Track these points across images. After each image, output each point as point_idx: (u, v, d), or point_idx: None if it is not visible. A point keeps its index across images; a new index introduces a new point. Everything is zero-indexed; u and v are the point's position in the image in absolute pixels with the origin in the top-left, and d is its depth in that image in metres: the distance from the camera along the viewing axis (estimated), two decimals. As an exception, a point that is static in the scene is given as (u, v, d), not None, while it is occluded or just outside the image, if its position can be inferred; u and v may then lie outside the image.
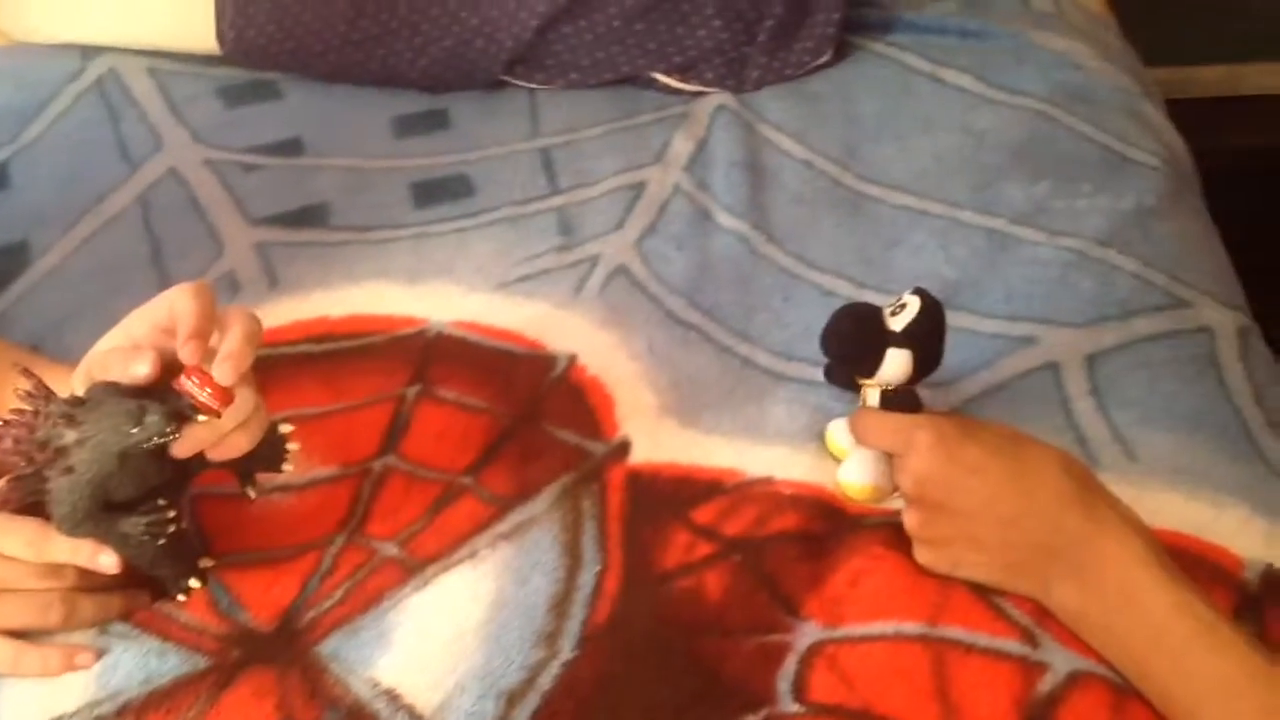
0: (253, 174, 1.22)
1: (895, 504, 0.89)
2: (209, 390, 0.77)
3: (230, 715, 0.76)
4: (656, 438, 0.96)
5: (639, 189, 1.20)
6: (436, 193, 1.21)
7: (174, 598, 0.83)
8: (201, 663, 0.80)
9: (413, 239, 1.15)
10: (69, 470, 0.75)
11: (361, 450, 0.95)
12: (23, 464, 0.75)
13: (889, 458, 0.87)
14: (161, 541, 0.80)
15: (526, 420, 0.98)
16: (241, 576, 0.85)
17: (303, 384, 1.01)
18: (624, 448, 0.96)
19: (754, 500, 0.91)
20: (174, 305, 0.81)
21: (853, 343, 0.89)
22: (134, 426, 0.75)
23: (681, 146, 1.24)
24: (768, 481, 0.93)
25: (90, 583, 0.81)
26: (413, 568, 0.86)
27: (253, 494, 0.85)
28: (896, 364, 0.88)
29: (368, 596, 0.84)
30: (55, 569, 0.80)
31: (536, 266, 1.12)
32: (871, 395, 0.90)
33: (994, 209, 1.17)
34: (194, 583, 0.84)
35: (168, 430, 0.75)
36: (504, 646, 0.81)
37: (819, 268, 1.12)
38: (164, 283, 1.10)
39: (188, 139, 1.25)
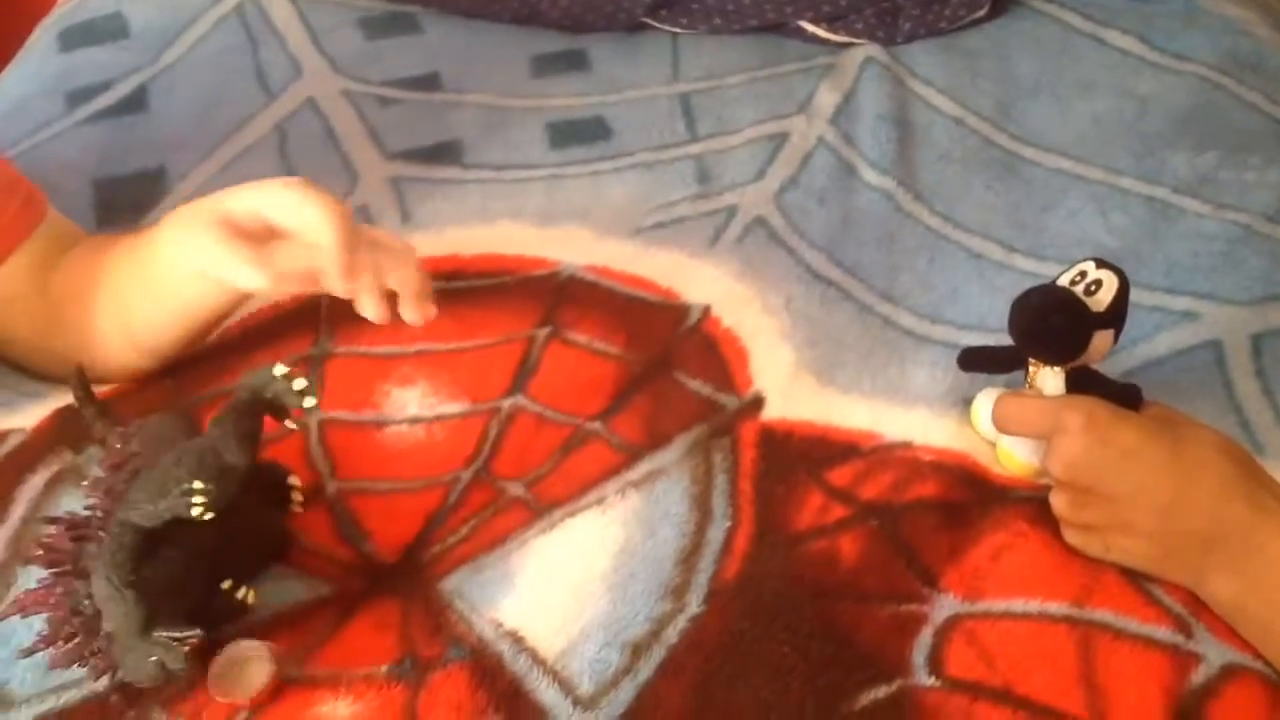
0: (390, 107, 1.21)
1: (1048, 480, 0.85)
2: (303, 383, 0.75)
3: (353, 644, 0.75)
4: (792, 395, 0.93)
5: (781, 140, 1.16)
6: (572, 134, 1.18)
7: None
8: (324, 589, 0.78)
9: (547, 180, 1.13)
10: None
11: (490, 388, 0.93)
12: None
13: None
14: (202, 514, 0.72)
15: (658, 369, 0.95)
16: (367, 504, 0.84)
17: (434, 320, 0.99)
18: (758, 403, 0.92)
19: (892, 465, 0.87)
20: (311, 223, 0.80)
21: (1068, 336, 0.84)
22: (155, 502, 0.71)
23: (827, 98, 1.20)
24: (907, 446, 0.89)
25: None
26: (539, 510, 0.84)
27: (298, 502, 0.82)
28: (1099, 347, 0.84)
29: (493, 536, 0.82)
30: None
31: (672, 214, 1.09)
32: (1050, 378, 0.85)
33: (1156, 178, 1.11)
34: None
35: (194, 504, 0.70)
36: (630, 596, 0.78)
37: (967, 229, 1.07)
38: (298, 212, 1.09)
39: (326, 69, 1.24)
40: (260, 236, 0.82)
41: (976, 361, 0.91)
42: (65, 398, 0.91)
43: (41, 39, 1.31)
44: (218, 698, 0.71)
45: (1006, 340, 0.88)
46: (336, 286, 0.81)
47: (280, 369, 0.76)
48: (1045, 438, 0.82)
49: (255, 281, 0.80)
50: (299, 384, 0.76)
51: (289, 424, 0.77)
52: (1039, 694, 0.74)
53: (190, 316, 0.90)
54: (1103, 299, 0.84)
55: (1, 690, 0.73)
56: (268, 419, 0.76)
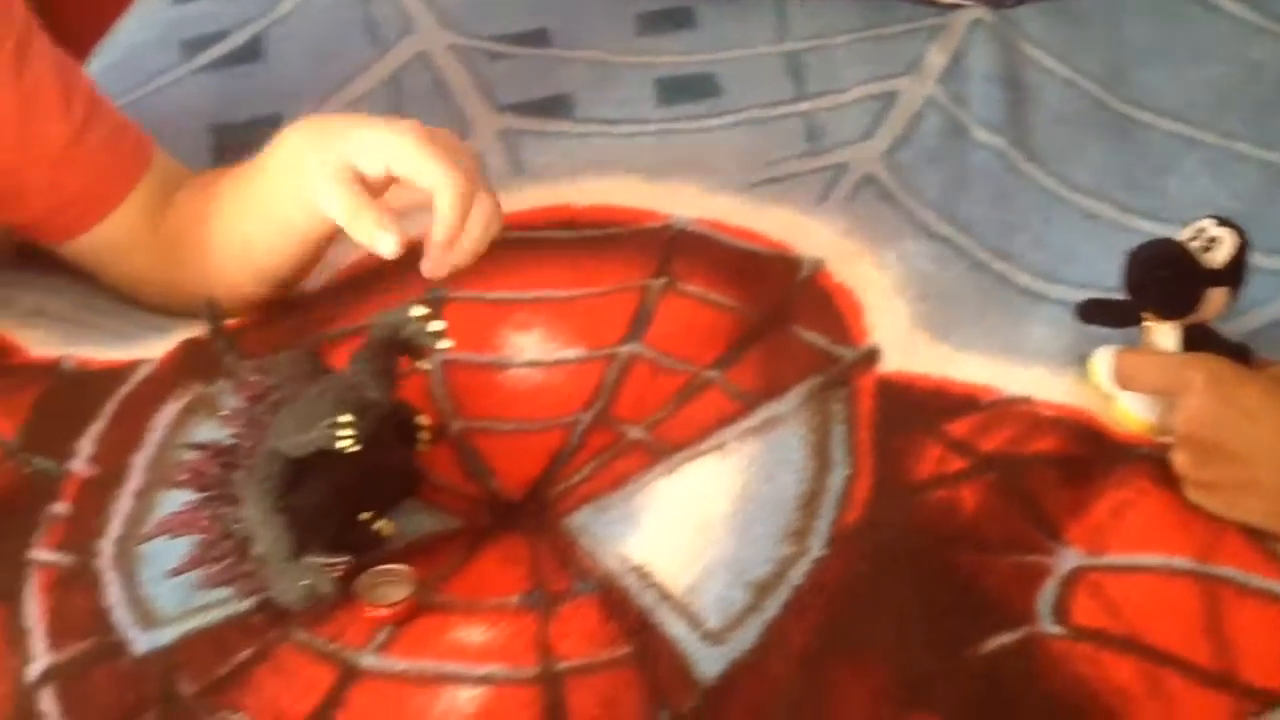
0: (499, 62, 1.22)
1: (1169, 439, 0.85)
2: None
3: (484, 575, 0.77)
4: (908, 349, 0.93)
5: (889, 99, 1.16)
6: (681, 91, 1.19)
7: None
8: (453, 523, 0.80)
9: (657, 135, 1.14)
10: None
11: (607, 335, 0.94)
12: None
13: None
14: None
15: (773, 320, 0.95)
16: (491, 443, 0.85)
17: (547, 268, 1.00)
18: (874, 355, 0.92)
19: (1011, 419, 0.87)
20: (432, 186, 0.82)
21: (1175, 290, 0.84)
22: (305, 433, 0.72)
23: (935, 58, 1.20)
24: (1026, 401, 0.89)
25: None
26: (660, 453, 0.85)
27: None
28: (1212, 305, 0.84)
29: (615, 477, 0.83)
30: None
31: (782, 170, 1.10)
32: (1166, 333, 0.85)
33: (1273, 143, 1.10)
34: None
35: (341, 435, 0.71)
36: (752, 539, 0.79)
37: (1082, 190, 1.07)
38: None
39: (436, 23, 1.26)
40: (382, 186, 0.84)
41: (1095, 313, 0.91)
42: (187, 330, 0.94)
43: (154, -9, 1.33)
44: (364, 606, 0.73)
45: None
46: (433, 251, 0.83)
47: (418, 310, 0.77)
48: (1166, 395, 0.82)
49: (390, 249, 0.81)
50: (435, 325, 0.77)
51: (422, 364, 0.79)
52: (1166, 643, 0.73)
53: (306, 240, 0.91)
54: (1218, 256, 0.84)
55: (148, 608, 0.75)
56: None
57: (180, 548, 0.75)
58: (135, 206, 0.98)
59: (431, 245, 0.82)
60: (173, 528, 0.75)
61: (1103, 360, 0.89)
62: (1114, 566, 0.78)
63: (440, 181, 0.81)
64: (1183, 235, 0.86)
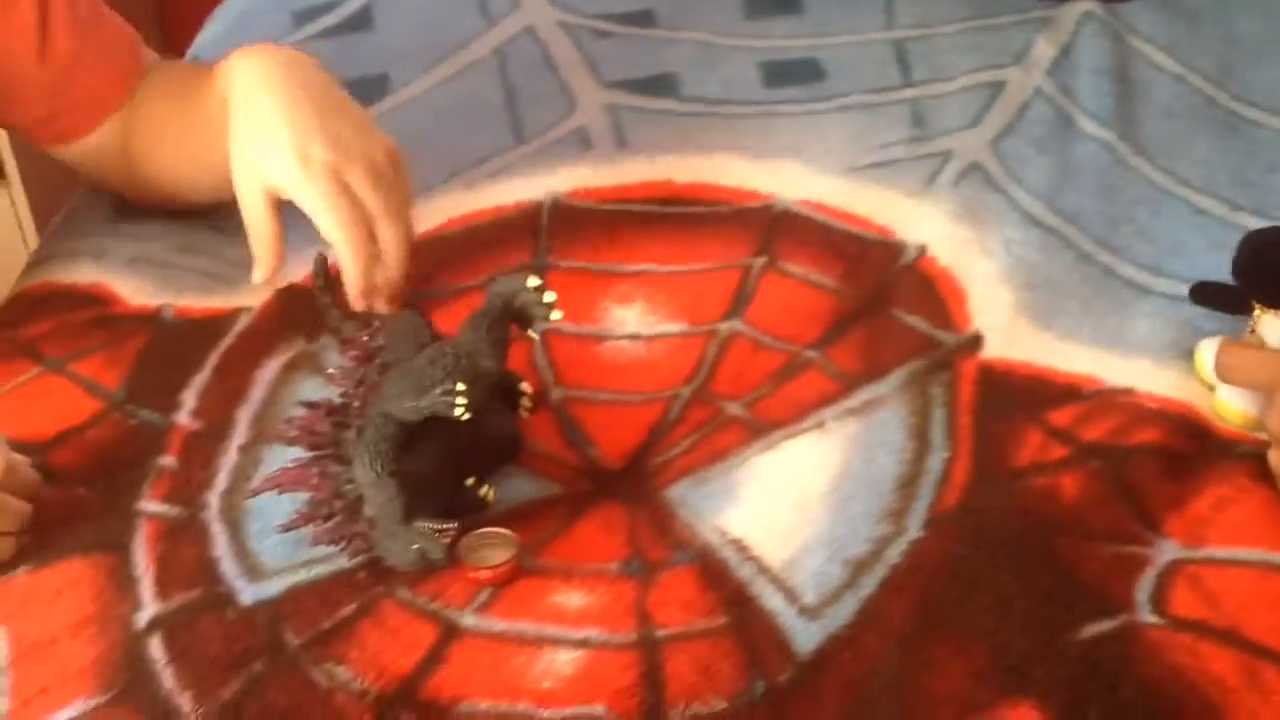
0: (605, 40, 1.23)
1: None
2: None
3: (583, 542, 0.77)
4: (1011, 336, 0.92)
5: (997, 88, 1.15)
6: (786, 74, 1.19)
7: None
8: (554, 489, 0.81)
9: (762, 116, 1.14)
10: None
11: (708, 312, 0.94)
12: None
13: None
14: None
15: (875, 303, 0.95)
16: (591, 413, 0.86)
17: (649, 243, 1.01)
18: (976, 341, 0.92)
19: (1114, 409, 0.86)
20: (331, 241, 0.89)
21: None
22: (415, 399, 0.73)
23: (1044, 50, 1.19)
24: (1129, 392, 0.88)
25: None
26: (759, 430, 0.85)
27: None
28: None
29: (714, 451, 0.83)
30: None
31: (887, 155, 1.09)
32: (1272, 325, 0.84)
33: (1386, 143, 1.08)
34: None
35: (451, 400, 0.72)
36: (850, 517, 0.79)
37: (1191, 185, 1.05)
38: (517, 127, 1.13)
39: (544, 1, 1.26)
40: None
41: (1206, 296, 0.90)
42: (281, 274, 0.96)
43: (265, -39, 1.35)
44: (467, 567, 0.74)
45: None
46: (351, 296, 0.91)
47: (533, 280, 0.78)
48: (1264, 391, 0.81)
49: (257, 279, 0.92)
50: (549, 297, 0.78)
51: (532, 333, 0.80)
52: (1266, 638, 0.72)
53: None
54: None
55: (254, 561, 0.77)
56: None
57: (287, 504, 0.77)
58: (125, 112, 1.01)
59: (348, 291, 0.90)
60: (283, 483, 0.76)
61: (1209, 350, 0.88)
62: (1213, 560, 0.77)
63: (334, 236, 0.88)
64: None
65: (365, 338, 0.80)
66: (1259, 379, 0.82)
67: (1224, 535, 0.79)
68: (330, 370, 0.81)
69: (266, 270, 0.91)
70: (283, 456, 0.80)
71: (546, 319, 0.78)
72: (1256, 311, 0.85)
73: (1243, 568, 0.77)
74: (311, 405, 0.78)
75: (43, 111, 0.99)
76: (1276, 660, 0.71)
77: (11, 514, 0.78)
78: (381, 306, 0.91)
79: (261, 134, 0.89)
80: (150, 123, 1.01)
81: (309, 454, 0.76)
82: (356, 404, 0.76)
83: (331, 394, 0.79)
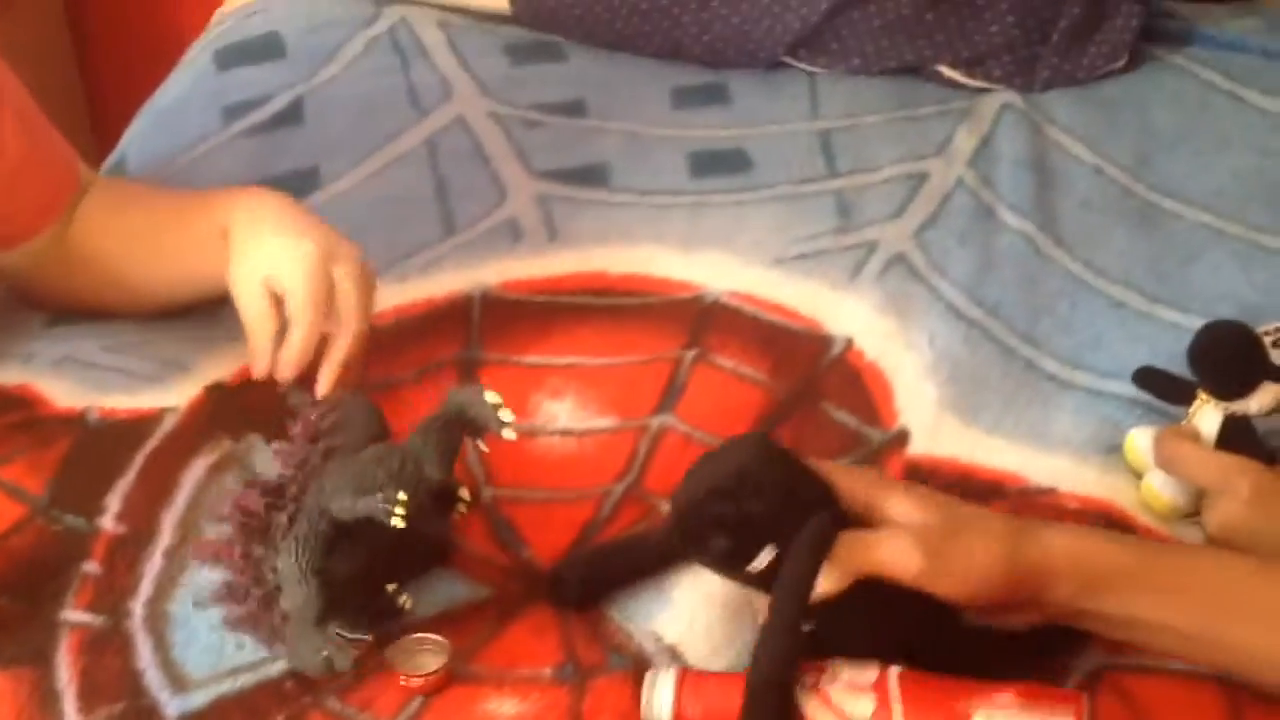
0: (536, 130, 1.24)
1: (1184, 531, 0.86)
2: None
3: (515, 647, 0.77)
4: (936, 432, 0.94)
5: (920, 179, 1.18)
6: (714, 164, 1.20)
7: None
8: (484, 591, 0.80)
9: (690, 207, 1.15)
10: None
11: (640, 406, 0.95)
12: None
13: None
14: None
15: (804, 397, 0.96)
16: (522, 512, 0.86)
17: (581, 334, 1.02)
18: (903, 437, 0.93)
19: (1037, 509, 0.87)
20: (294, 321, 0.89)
21: (1236, 369, 0.86)
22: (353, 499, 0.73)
23: (964, 141, 1.22)
24: (1051, 491, 0.90)
25: None
26: (690, 529, 0.85)
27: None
28: (1264, 399, 0.85)
29: (646, 551, 0.84)
30: None
31: (813, 246, 1.11)
32: (1209, 416, 0.86)
33: (1299, 236, 1.12)
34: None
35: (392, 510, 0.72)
36: (784, 621, 0.79)
37: (1109, 277, 1.08)
38: (447, 219, 1.13)
39: (475, 91, 1.28)
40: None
41: (1149, 382, 0.93)
42: (210, 371, 0.96)
43: (198, 58, 1.36)
44: (398, 675, 0.74)
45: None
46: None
47: (492, 396, 0.78)
48: (1205, 488, 0.83)
49: (258, 373, 0.91)
50: (506, 414, 0.78)
51: (481, 445, 0.80)
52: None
53: (205, 293, 0.98)
54: None
55: (179, 671, 0.75)
56: None
57: (212, 614, 0.76)
58: (65, 220, 1.02)
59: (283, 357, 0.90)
60: (205, 555, 0.75)
61: (1141, 439, 0.90)
62: (1140, 667, 0.77)
63: (296, 305, 0.89)
64: (1261, 329, 0.88)
65: (314, 416, 0.79)
66: (1201, 476, 0.84)
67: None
68: (275, 447, 0.80)
69: (265, 362, 0.90)
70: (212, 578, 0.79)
71: (499, 431, 0.78)
72: (1197, 403, 0.88)
73: (1167, 676, 0.77)
74: (249, 483, 0.77)
75: None
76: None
77: None
78: (325, 381, 0.90)
79: (267, 235, 0.92)
80: (98, 234, 1.01)
81: (238, 531, 0.75)
82: (294, 487, 0.76)
83: (273, 473, 0.78)
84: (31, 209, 1.00)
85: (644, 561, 0.82)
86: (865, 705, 0.70)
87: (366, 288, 0.92)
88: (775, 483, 0.72)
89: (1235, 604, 0.74)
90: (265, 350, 0.90)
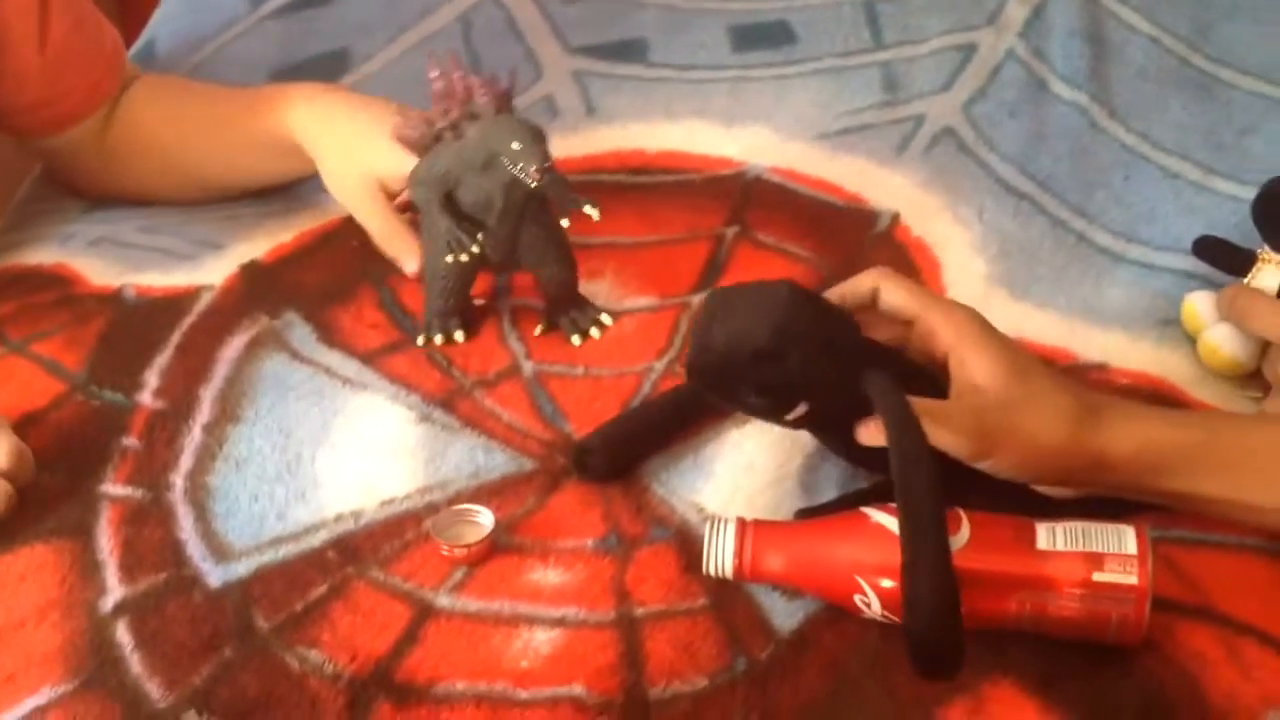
0: (572, 5, 1.21)
1: (1241, 401, 0.84)
2: None
3: (559, 518, 0.76)
4: (985, 307, 0.88)
5: (969, 50, 1.14)
6: (756, 37, 1.17)
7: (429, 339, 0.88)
8: (528, 464, 0.80)
9: (731, 81, 1.12)
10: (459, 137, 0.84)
11: (679, 284, 0.93)
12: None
13: (1262, 343, 0.82)
14: (457, 258, 0.84)
15: (849, 273, 0.93)
16: (564, 387, 0.85)
17: (619, 213, 0.99)
18: (951, 312, 0.91)
19: (1087, 386, 0.85)
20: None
21: None
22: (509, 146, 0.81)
23: (1017, 11, 1.17)
24: (1102, 368, 0.87)
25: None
26: (733, 403, 0.84)
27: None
28: None
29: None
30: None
31: (858, 120, 1.08)
32: (1269, 274, 0.84)
33: (1361, 105, 1.08)
34: (454, 335, 0.88)
35: (530, 170, 0.80)
36: (825, 496, 0.78)
37: (1164, 148, 1.05)
38: (484, 99, 1.10)
39: (508, -35, 1.24)
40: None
41: (1209, 250, 0.91)
42: (244, 250, 0.96)
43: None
44: (440, 546, 0.73)
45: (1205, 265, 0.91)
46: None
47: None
48: (1276, 338, 0.81)
49: (412, 271, 0.92)
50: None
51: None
52: (1242, 614, 0.72)
53: (266, 182, 1.03)
54: None
55: (220, 541, 0.75)
56: None
57: (251, 482, 0.76)
58: (110, 106, 1.02)
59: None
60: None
61: (1201, 301, 0.88)
62: (1185, 540, 0.76)
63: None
64: None
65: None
66: (1273, 325, 0.82)
67: (1195, 515, 0.77)
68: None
69: (417, 260, 0.91)
70: (245, 435, 0.79)
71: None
72: (1256, 265, 0.87)
73: (1215, 548, 0.76)
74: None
75: (33, 98, 0.98)
76: (1254, 635, 0.71)
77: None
78: None
79: (354, 141, 0.94)
80: (156, 122, 1.02)
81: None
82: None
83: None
84: (78, 93, 1.00)
85: (668, 425, 0.81)
86: None
87: None
88: (812, 337, 0.69)
89: None
90: (408, 250, 0.91)
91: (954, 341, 0.72)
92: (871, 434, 0.70)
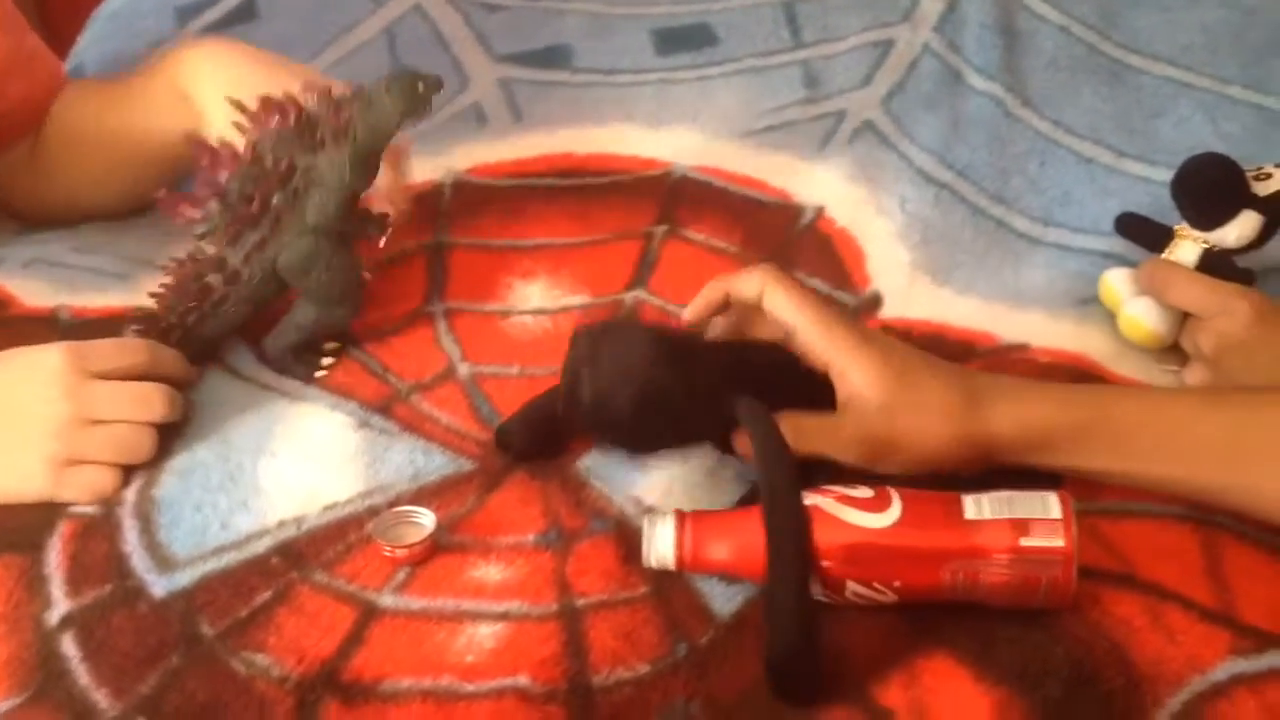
0: (496, 14, 1.22)
1: (1160, 374, 0.87)
2: None
3: (499, 515, 0.77)
4: (909, 294, 0.94)
5: (886, 46, 1.17)
6: (678, 40, 1.19)
7: (317, 362, 0.87)
8: (466, 465, 0.81)
9: (656, 84, 1.14)
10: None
11: (612, 282, 0.95)
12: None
13: (1181, 315, 0.85)
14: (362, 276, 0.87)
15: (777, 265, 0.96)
16: (499, 387, 0.86)
17: (550, 215, 1.01)
18: (875, 300, 0.94)
19: (1008, 366, 0.88)
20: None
21: (1216, 194, 0.87)
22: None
23: (930, 6, 1.20)
24: (1023, 348, 0.90)
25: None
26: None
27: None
28: (1243, 227, 0.86)
29: (623, 420, 0.84)
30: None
31: (781, 118, 1.10)
32: (1187, 249, 0.87)
33: (1266, 87, 1.11)
34: (325, 361, 0.88)
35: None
36: (761, 481, 0.80)
37: (1077, 134, 1.08)
38: (412, 110, 1.11)
39: (432, -24, 1.25)
40: None
41: (1129, 228, 0.94)
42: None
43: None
44: (383, 546, 0.74)
45: (1122, 243, 0.94)
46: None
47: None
48: (1197, 311, 0.84)
49: None
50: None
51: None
52: (1166, 581, 0.74)
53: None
54: (1266, 187, 0.87)
55: (164, 552, 0.76)
56: None
57: (196, 492, 0.77)
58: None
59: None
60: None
61: (1116, 276, 0.91)
62: (1109, 511, 0.78)
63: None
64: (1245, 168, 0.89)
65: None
66: (1195, 299, 0.85)
67: (1118, 487, 0.79)
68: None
69: None
70: (187, 446, 0.81)
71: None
72: (1173, 242, 0.90)
73: (1138, 518, 0.78)
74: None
75: None
76: (1179, 601, 0.73)
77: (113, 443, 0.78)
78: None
79: (240, 92, 0.87)
80: (71, 132, 1.01)
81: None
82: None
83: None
84: (17, 112, 0.99)
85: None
86: (863, 490, 0.71)
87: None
88: (674, 394, 0.75)
89: (1180, 445, 0.75)
90: None
91: (831, 355, 0.75)
92: (746, 447, 0.73)
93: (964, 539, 0.70)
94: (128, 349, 0.82)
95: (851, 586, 0.70)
